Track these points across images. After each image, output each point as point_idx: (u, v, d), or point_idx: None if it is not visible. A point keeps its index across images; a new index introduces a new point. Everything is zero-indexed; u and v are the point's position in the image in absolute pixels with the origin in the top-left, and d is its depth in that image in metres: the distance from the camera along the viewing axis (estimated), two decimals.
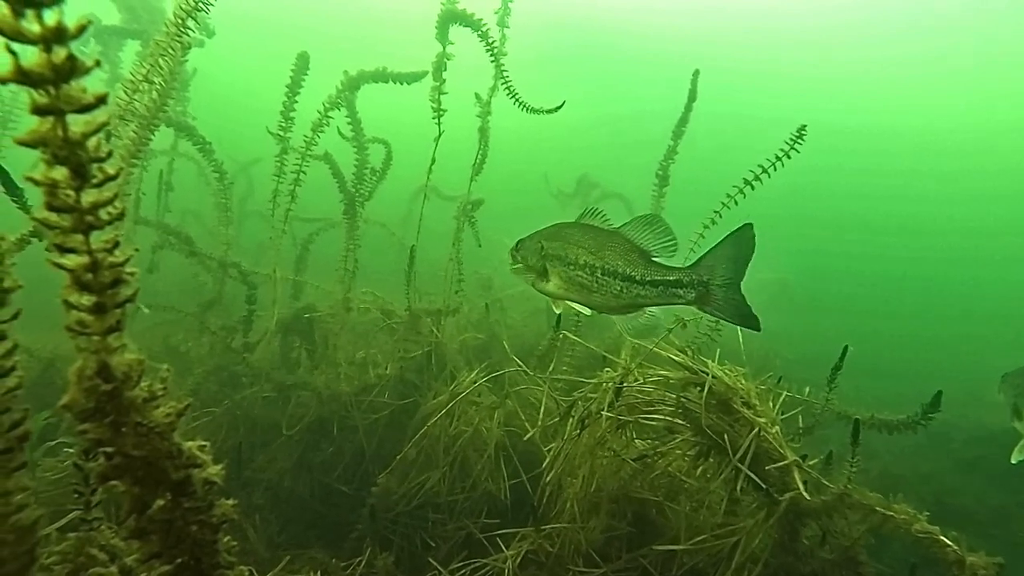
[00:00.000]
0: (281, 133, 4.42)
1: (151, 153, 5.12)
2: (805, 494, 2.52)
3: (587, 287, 2.52)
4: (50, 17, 0.84)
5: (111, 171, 0.95)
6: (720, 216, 3.91)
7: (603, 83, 38.74)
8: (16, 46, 0.86)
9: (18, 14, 0.83)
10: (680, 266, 2.49)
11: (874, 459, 5.83)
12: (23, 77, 0.86)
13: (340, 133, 4.84)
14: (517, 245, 2.72)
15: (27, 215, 2.48)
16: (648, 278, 2.45)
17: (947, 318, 17.10)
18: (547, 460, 3.12)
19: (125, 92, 2.97)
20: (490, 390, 4.03)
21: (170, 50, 2.92)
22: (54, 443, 3.22)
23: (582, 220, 2.60)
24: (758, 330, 2.45)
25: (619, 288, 2.48)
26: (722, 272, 2.40)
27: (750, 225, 2.39)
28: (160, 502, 1.12)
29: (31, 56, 0.86)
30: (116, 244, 0.95)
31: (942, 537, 2.34)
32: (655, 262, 2.48)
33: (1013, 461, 3.66)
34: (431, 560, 3.15)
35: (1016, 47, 32.09)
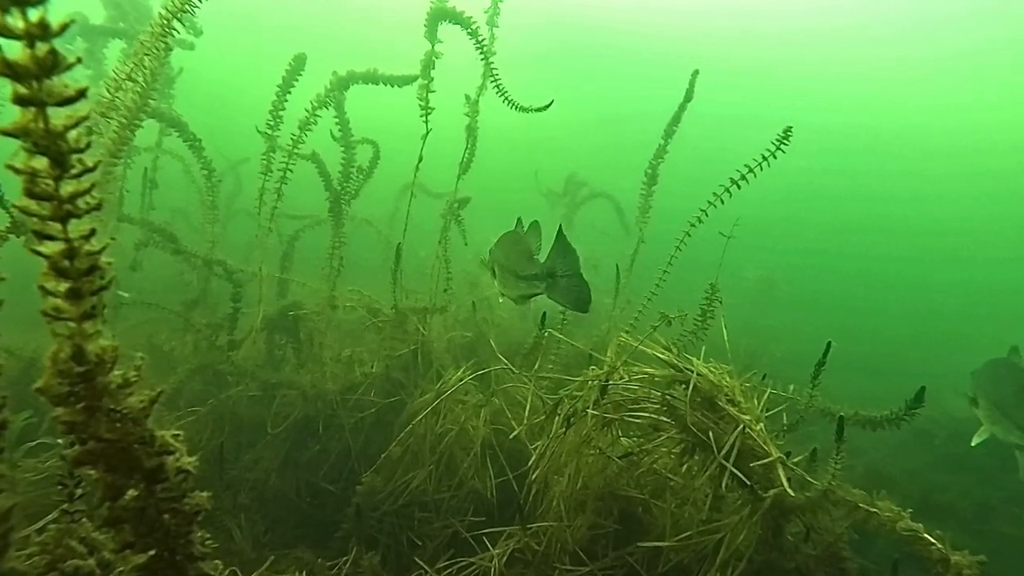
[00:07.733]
0: (269, 132, 4.39)
1: (135, 150, 5.10)
2: (789, 491, 2.52)
3: (503, 283, 2.94)
4: (34, 15, 0.89)
5: (90, 162, 0.97)
6: (706, 215, 3.92)
7: (597, 83, 38.80)
8: (2, 41, 0.91)
9: (4, 10, 0.88)
10: (538, 263, 2.83)
11: (859, 456, 5.86)
12: (7, 69, 0.90)
13: (332, 135, 4.83)
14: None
15: (5, 211, 2.46)
16: (521, 273, 2.82)
17: (931, 316, 17.21)
18: (533, 458, 3.12)
19: (108, 89, 2.97)
20: (476, 388, 4.03)
21: (155, 50, 2.92)
22: (34, 444, 3.18)
23: (516, 229, 2.98)
24: (585, 312, 2.81)
25: (512, 283, 2.87)
26: (563, 266, 2.74)
27: (559, 226, 2.77)
28: (133, 491, 1.12)
29: (16, 50, 0.91)
30: (93, 232, 0.96)
31: (926, 535, 2.35)
32: (531, 260, 2.82)
33: (972, 444, 3.89)
34: (417, 559, 3.14)
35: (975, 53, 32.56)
